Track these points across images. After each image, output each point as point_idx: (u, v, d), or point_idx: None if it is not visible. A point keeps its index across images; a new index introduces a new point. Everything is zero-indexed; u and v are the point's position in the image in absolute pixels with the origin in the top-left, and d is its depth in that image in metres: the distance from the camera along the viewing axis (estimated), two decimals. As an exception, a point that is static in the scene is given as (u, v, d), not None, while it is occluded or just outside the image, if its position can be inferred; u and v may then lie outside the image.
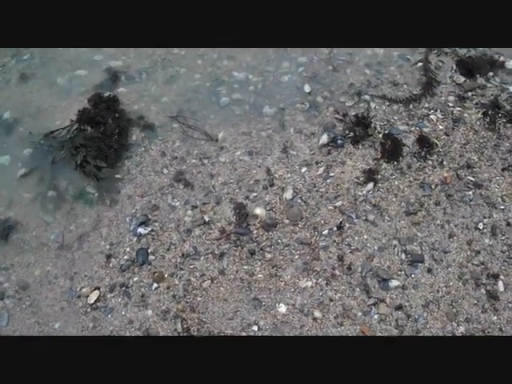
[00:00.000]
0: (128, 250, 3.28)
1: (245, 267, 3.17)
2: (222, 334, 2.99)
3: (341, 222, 3.28)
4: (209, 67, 3.96)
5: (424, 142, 3.49)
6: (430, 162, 3.47)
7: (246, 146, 3.60)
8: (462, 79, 3.74)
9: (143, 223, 3.39)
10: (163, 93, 3.85)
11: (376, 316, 3.00)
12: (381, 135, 3.55)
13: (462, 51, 3.90)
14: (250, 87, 3.84)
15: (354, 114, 3.67)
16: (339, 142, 3.55)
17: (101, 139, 3.57)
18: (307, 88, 3.81)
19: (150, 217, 3.38)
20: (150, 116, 3.74)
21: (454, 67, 3.81)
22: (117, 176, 3.53)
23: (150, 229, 3.35)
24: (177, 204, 3.43)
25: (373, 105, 3.71)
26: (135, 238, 3.31)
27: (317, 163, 3.52)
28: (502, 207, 3.29)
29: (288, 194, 3.40)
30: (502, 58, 3.84)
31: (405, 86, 3.78)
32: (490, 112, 3.59)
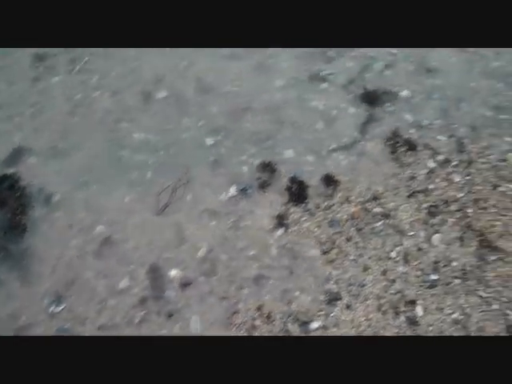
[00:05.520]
0: (43, 329, 3.51)
1: (163, 331, 3.46)
2: None
3: (256, 272, 3.63)
4: (107, 132, 4.32)
5: (329, 181, 3.92)
6: (337, 200, 3.88)
7: (154, 207, 3.94)
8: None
9: (56, 301, 3.63)
10: (65, 166, 4.19)
11: (299, 360, 3.31)
12: (286, 179, 3.95)
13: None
14: (151, 147, 4.20)
15: (259, 161, 4.06)
16: (247, 191, 3.94)
17: (3, 220, 3.84)
18: (209, 141, 4.21)
19: (63, 293, 3.64)
20: (53, 189, 4.06)
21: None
22: (24, 254, 3.78)
23: (63, 306, 3.60)
24: (89, 276, 3.71)
25: (277, 149, 4.12)
26: (50, 317, 3.55)
27: (226, 215, 3.88)
28: (412, 233, 3.73)
29: (201, 251, 3.75)
30: (395, 89, 4.35)
31: (304, 126, 4.24)
32: (390, 142, 4.07)
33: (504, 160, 4.04)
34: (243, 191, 3.94)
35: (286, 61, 4.59)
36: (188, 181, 4.03)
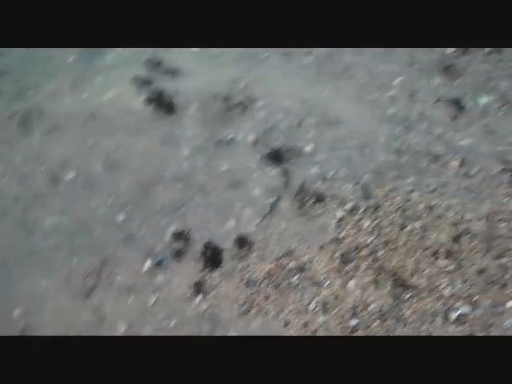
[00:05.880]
0: None
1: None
2: None
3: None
4: (17, 219, 4.41)
5: (243, 242, 4.10)
6: (251, 260, 4.05)
7: (72, 289, 4.02)
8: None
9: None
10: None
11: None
12: (201, 245, 4.11)
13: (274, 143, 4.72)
14: (63, 230, 4.31)
15: (172, 230, 4.22)
16: (163, 262, 4.08)
17: None
18: (121, 217, 4.36)
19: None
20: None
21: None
22: None
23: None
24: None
25: (189, 217, 4.29)
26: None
27: (144, 289, 4.00)
28: (328, 282, 3.92)
29: (121, 327, 3.83)
30: (300, 144, 4.63)
31: (215, 191, 4.44)
32: (298, 197, 4.31)
33: (409, 200, 4.30)
34: (159, 263, 4.07)
35: (191, 129, 4.78)
36: (113, 262, 4.11)
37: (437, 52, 5.26)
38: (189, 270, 4.02)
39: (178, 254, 4.06)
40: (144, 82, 5.06)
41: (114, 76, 5.15)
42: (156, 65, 5.19)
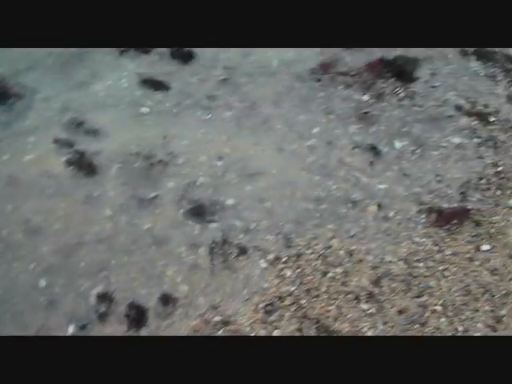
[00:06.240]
0: None
1: None
2: None
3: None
4: None
5: (167, 300, 4.19)
6: (176, 317, 4.14)
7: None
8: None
9: None
10: None
11: None
12: (125, 306, 4.17)
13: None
14: (-18, 299, 4.28)
15: (96, 292, 4.27)
16: (87, 326, 4.11)
17: None
18: (43, 283, 4.38)
19: None
20: None
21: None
22: None
23: None
24: None
25: (113, 278, 4.36)
26: None
27: (68, 355, 3.99)
28: (253, 334, 4.03)
29: (44, 398, 3.81)
30: (221, 198, 4.78)
31: (138, 250, 4.53)
32: (221, 251, 4.44)
33: (329, 247, 4.50)
34: (83, 327, 4.10)
35: (113, 189, 4.88)
36: (36, 330, 4.12)
37: (352, 100, 5.51)
38: (113, 331, 4.04)
39: (102, 317, 4.09)
40: (65, 144, 5.09)
41: (34, 138, 5.19)
42: (77, 125, 5.24)
